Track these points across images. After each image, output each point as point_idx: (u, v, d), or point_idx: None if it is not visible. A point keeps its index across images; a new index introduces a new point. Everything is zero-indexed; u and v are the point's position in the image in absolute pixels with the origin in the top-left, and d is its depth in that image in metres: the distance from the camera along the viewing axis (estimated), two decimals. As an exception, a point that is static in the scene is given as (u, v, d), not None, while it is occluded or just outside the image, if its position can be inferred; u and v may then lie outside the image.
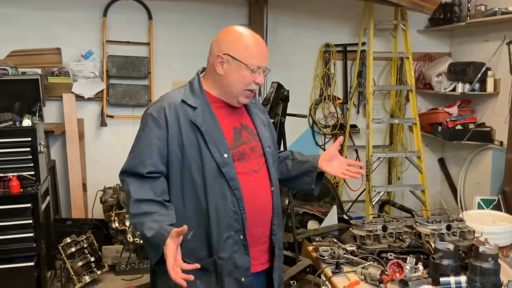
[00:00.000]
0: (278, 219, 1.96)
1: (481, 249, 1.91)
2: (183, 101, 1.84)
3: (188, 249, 1.81)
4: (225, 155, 1.81)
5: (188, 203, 1.82)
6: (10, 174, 3.33)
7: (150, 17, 4.68)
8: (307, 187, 2.05)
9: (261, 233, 1.91)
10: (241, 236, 1.83)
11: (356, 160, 5.16)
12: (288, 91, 3.68)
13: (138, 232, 1.79)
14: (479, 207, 4.08)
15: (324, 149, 5.17)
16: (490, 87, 4.32)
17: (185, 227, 1.62)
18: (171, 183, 1.83)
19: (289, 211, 3.80)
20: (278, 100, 3.64)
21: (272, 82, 3.71)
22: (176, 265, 1.61)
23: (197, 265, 1.64)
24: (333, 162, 2.02)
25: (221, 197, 1.80)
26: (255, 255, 1.89)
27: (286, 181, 2.12)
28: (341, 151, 5.12)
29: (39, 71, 4.36)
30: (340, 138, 2.13)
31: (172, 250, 1.62)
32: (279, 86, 3.65)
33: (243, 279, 1.84)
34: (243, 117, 1.97)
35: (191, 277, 1.60)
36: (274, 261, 1.95)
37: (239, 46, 1.81)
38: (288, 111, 3.77)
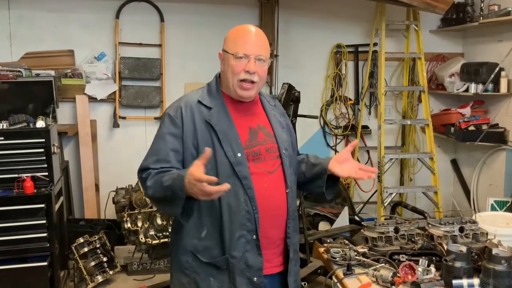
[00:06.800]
0: (293, 222, 1.95)
1: (494, 251, 1.89)
2: (199, 101, 1.89)
3: (202, 247, 1.86)
4: (239, 154, 1.83)
5: (202, 201, 1.83)
6: (24, 175, 3.37)
7: (162, 19, 4.71)
8: (319, 190, 2.04)
9: (275, 235, 1.91)
10: (254, 236, 1.84)
11: (367, 161, 5.14)
12: (299, 92, 3.68)
13: (157, 196, 1.79)
14: (493, 208, 4.04)
15: (335, 151, 5.15)
16: (503, 88, 4.27)
17: (208, 150, 1.64)
18: None
19: (300, 212, 3.80)
20: (289, 101, 3.64)
21: (283, 83, 3.71)
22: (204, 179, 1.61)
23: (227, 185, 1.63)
24: (344, 164, 2.00)
25: (234, 196, 1.81)
26: (269, 257, 1.90)
27: (302, 185, 2.11)
28: (353, 153, 5.10)
29: (52, 73, 4.41)
30: (355, 142, 2.14)
31: (196, 170, 1.62)
32: (290, 87, 3.65)
33: (255, 278, 1.85)
34: (261, 118, 1.98)
35: (226, 186, 1.61)
36: (289, 264, 1.95)
37: (228, 39, 1.89)
38: (299, 112, 3.77)
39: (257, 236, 1.84)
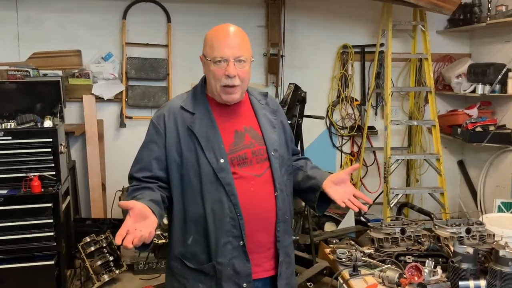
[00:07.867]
0: (284, 225, 1.89)
1: (501, 253, 1.88)
2: (182, 107, 1.87)
3: (189, 253, 1.85)
4: (221, 160, 1.79)
5: (188, 208, 1.83)
6: (31, 174, 3.39)
7: (168, 20, 4.72)
8: (311, 204, 2.00)
9: (264, 239, 1.87)
10: (241, 242, 1.80)
11: (373, 162, 5.13)
12: (305, 92, 3.68)
13: None
14: (500, 210, 4.02)
15: (341, 151, 5.15)
16: (510, 89, 4.24)
17: (128, 202, 1.62)
18: (173, 188, 1.84)
19: (305, 212, 3.80)
20: (295, 102, 3.65)
21: (289, 84, 3.71)
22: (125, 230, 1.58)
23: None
24: (339, 186, 1.90)
25: (218, 202, 1.78)
26: (258, 261, 1.86)
27: (297, 193, 2.06)
28: (359, 153, 5.09)
29: (60, 73, 4.43)
30: (356, 166, 2.06)
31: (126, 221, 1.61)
32: (296, 88, 3.65)
33: (245, 284, 1.81)
34: (248, 120, 1.92)
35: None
36: (279, 268, 1.90)
37: (205, 44, 1.85)
38: (305, 113, 3.76)
39: (244, 242, 1.80)
